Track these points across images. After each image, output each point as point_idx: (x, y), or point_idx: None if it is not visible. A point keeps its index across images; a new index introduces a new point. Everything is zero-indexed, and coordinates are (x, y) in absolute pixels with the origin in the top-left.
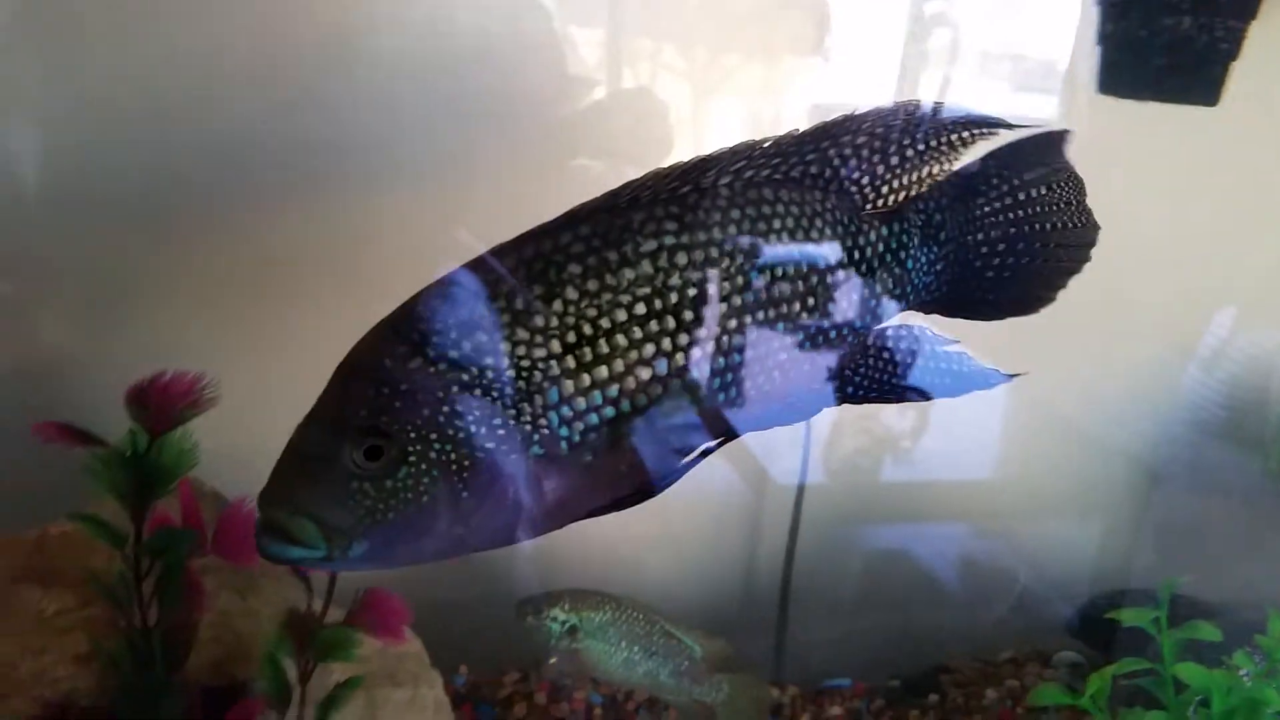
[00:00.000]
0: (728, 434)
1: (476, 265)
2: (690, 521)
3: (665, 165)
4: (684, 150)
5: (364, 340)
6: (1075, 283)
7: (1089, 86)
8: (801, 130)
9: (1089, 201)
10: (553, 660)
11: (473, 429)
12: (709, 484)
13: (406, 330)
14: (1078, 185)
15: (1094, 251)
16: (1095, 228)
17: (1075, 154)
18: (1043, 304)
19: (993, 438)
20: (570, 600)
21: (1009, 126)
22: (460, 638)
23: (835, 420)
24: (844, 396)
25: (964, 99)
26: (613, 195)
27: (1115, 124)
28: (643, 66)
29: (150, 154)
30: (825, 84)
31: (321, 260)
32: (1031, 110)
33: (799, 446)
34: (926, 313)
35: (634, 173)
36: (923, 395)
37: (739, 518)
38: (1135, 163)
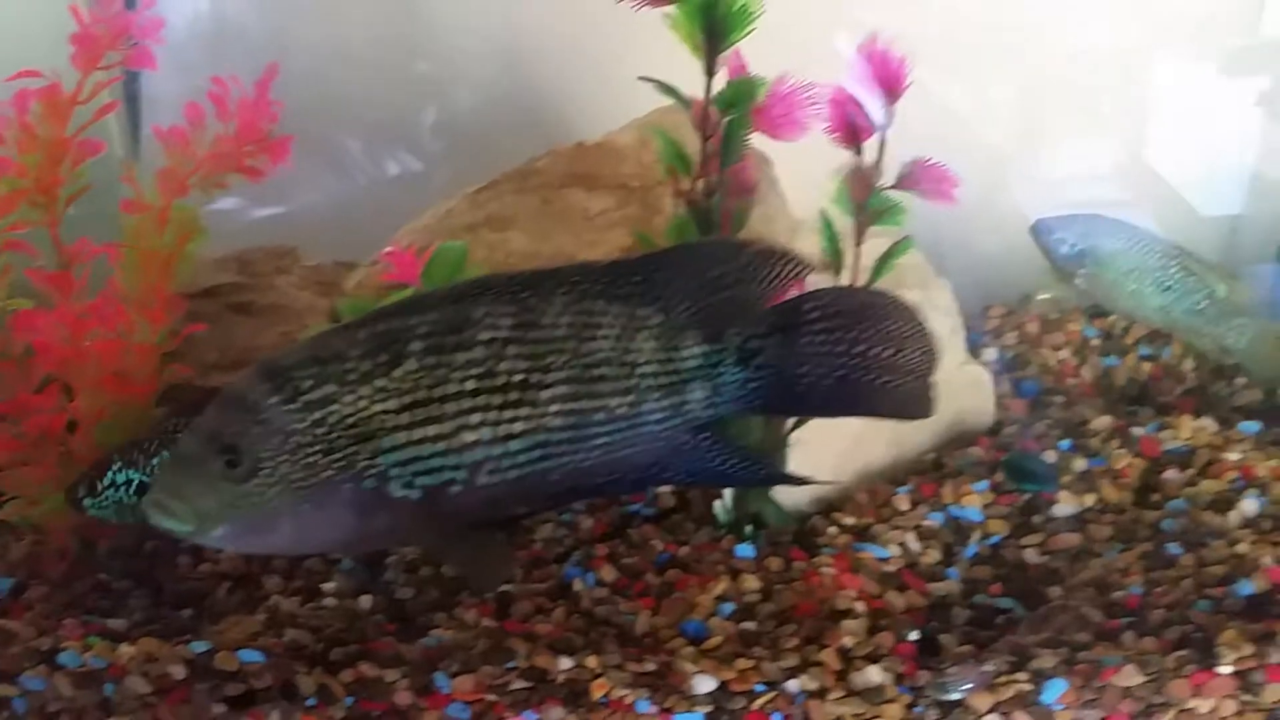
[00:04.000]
0: (552, 501)
1: (341, 330)
2: None
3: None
4: None
5: (244, 373)
6: None
7: None
8: (636, 256)
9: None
10: (1051, 294)
11: (314, 458)
12: None
13: (273, 372)
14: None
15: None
16: (931, 359)
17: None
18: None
19: None
20: (1083, 224)
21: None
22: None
23: None
24: (664, 481)
25: None
26: (458, 290)
27: None
28: None
29: None
30: None
31: None
32: None
33: None
34: (752, 415)
35: None
36: (729, 484)
37: None
38: None
